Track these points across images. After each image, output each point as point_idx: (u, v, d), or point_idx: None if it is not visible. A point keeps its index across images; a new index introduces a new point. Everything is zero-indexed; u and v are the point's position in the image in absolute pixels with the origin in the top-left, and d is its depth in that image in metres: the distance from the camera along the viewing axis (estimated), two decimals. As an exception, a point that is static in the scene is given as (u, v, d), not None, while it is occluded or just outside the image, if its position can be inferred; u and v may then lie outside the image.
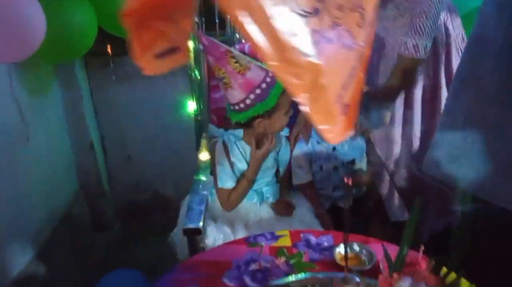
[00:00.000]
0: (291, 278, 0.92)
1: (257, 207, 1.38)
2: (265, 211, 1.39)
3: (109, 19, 1.64)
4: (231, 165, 1.34)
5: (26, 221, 1.66)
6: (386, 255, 0.68)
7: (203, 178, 1.44)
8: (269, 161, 1.39)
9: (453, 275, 0.65)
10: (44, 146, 1.79)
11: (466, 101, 1.03)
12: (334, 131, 0.37)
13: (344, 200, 1.37)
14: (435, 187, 1.58)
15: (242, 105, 1.23)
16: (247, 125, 1.29)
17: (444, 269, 0.63)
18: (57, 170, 1.92)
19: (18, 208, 1.60)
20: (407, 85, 1.40)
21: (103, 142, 2.21)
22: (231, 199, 1.34)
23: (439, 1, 1.26)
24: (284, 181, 1.48)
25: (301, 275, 0.93)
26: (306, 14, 0.35)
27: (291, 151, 1.48)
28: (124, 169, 2.26)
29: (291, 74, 0.37)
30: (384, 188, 1.39)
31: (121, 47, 1.92)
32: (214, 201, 1.40)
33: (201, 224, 1.28)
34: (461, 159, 1.05)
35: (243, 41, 1.65)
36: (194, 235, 1.28)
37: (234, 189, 1.34)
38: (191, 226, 1.27)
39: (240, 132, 1.35)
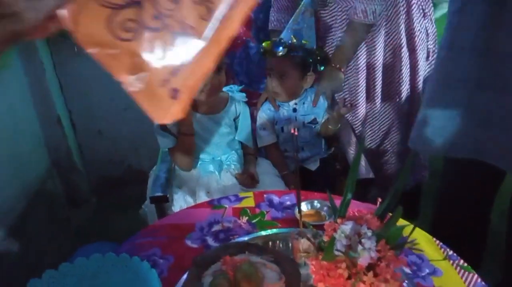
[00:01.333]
0: (252, 235, 0.94)
1: (217, 175, 1.37)
2: (228, 179, 1.38)
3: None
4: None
5: (-4, 198, 1.64)
6: (331, 202, 0.70)
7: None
8: (224, 128, 1.38)
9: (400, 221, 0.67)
10: (10, 121, 1.75)
11: (449, 69, 1.05)
12: (159, 112, 0.40)
13: (294, 150, 1.40)
14: (399, 147, 1.62)
15: None
16: None
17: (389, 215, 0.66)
18: (25, 146, 1.88)
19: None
20: (356, 48, 1.42)
21: (71, 117, 2.17)
22: (178, 158, 1.35)
23: None
24: (247, 148, 1.47)
25: (262, 233, 0.95)
26: (115, 6, 0.39)
27: (255, 116, 1.48)
28: (95, 143, 2.23)
29: (108, 55, 0.41)
30: (351, 148, 1.41)
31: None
32: (179, 169, 1.40)
33: (167, 191, 1.29)
34: (447, 128, 1.08)
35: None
36: (161, 203, 1.29)
37: (175, 147, 1.33)
38: (158, 193, 1.28)
39: None
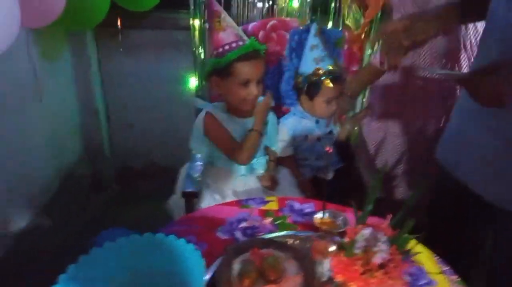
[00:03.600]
0: (276, 234, 1.08)
1: (246, 177, 1.52)
2: (253, 182, 1.52)
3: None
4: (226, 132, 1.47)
5: (34, 177, 1.80)
6: (354, 209, 0.84)
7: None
8: None
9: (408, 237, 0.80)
10: (55, 108, 1.92)
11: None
12: None
13: (324, 167, 1.55)
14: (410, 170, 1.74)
15: (209, 56, 1.53)
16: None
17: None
18: (64, 132, 2.05)
19: (27, 164, 1.73)
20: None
21: (107, 110, 2.34)
22: (244, 150, 1.43)
23: None
24: (271, 153, 1.61)
25: (284, 233, 1.08)
26: None
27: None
28: (126, 135, 2.40)
29: None
30: (364, 163, 1.54)
31: (130, 21, 2.04)
32: (210, 168, 1.54)
33: (198, 188, 1.44)
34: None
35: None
36: (192, 198, 1.44)
37: (243, 142, 1.45)
38: (190, 189, 1.43)
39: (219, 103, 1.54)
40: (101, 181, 2.38)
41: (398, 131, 1.66)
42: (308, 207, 1.22)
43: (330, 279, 0.86)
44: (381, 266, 0.72)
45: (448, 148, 1.24)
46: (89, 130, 2.24)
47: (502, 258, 1.13)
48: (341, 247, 0.76)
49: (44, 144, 1.88)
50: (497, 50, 0.99)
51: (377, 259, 0.70)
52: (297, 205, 1.22)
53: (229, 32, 1.43)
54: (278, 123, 1.65)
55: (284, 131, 1.63)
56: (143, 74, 2.22)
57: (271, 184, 1.50)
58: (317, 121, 1.63)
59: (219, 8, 1.51)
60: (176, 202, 1.54)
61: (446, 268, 1.01)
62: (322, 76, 1.55)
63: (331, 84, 1.55)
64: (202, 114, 1.49)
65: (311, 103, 1.61)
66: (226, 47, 1.40)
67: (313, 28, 1.61)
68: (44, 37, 1.79)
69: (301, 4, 2.03)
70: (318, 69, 1.56)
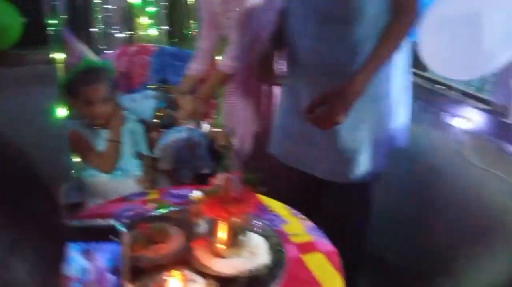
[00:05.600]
0: (159, 212, 1.27)
1: (124, 181, 1.67)
2: (132, 184, 1.68)
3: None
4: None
5: None
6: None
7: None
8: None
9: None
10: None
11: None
12: None
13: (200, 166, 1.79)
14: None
15: None
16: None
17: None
18: None
19: None
20: None
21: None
22: (105, 159, 1.66)
23: None
24: (147, 159, 1.80)
25: (165, 210, 1.28)
26: None
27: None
28: None
29: None
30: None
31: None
32: (91, 179, 1.66)
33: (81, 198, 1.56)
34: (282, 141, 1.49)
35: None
36: (77, 208, 1.54)
37: (103, 152, 1.66)
38: (74, 200, 1.54)
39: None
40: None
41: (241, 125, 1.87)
42: (186, 191, 1.42)
43: (207, 232, 1.09)
44: (237, 200, 0.97)
45: (278, 141, 1.53)
46: None
47: (330, 219, 1.38)
48: (207, 193, 0.99)
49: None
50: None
51: (232, 195, 0.95)
52: (176, 191, 1.42)
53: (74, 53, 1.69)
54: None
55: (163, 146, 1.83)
56: (7, 112, 2.21)
57: (149, 185, 1.68)
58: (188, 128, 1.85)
59: (74, 41, 1.72)
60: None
61: (295, 211, 1.31)
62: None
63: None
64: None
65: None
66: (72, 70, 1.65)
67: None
68: None
69: (159, 32, 2.31)
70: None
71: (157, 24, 2.35)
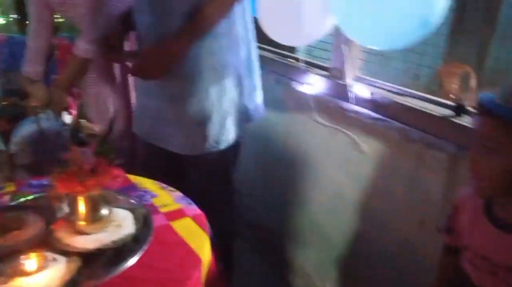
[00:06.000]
0: (15, 202, 1.20)
1: None
2: None
3: None
4: None
5: None
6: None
7: None
8: None
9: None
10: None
11: None
12: None
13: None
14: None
15: None
16: None
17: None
18: None
19: None
20: None
21: None
22: None
23: None
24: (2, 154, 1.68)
25: (22, 199, 1.21)
26: None
27: None
28: None
29: None
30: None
31: None
32: None
33: None
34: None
35: None
36: None
37: None
38: None
39: None
40: None
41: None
42: (46, 180, 1.36)
43: (68, 212, 1.06)
44: (92, 172, 0.97)
45: (138, 120, 1.54)
46: None
47: (195, 190, 1.41)
48: (59, 169, 0.97)
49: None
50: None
51: (86, 167, 0.95)
52: (37, 182, 1.35)
53: None
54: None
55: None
56: None
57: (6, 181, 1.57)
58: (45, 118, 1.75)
59: None
60: None
61: (165, 185, 1.34)
62: None
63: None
64: None
65: None
66: None
67: None
68: None
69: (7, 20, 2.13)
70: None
71: (5, 12, 2.17)
